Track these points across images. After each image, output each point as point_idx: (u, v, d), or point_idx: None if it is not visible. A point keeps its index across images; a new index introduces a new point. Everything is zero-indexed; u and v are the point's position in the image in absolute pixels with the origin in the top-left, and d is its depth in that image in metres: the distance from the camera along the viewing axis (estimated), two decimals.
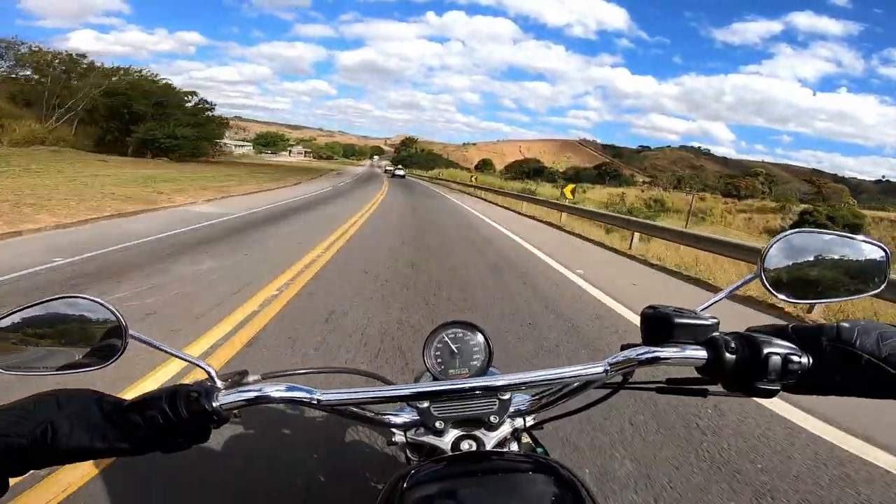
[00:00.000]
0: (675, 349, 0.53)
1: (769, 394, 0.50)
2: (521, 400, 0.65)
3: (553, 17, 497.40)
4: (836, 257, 0.58)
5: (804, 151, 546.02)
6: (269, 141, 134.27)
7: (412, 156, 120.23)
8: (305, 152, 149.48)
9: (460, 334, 0.70)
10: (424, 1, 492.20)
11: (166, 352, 0.54)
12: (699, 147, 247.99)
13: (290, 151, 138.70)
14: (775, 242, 0.57)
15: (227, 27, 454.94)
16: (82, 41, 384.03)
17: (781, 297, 0.57)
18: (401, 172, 52.02)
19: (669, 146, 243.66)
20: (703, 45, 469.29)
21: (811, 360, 0.50)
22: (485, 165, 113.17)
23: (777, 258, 0.57)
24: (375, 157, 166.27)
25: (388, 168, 56.04)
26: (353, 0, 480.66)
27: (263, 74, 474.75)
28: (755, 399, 0.48)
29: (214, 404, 0.50)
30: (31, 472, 0.47)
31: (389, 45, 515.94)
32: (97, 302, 0.53)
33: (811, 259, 0.58)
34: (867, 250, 0.58)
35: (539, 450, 0.72)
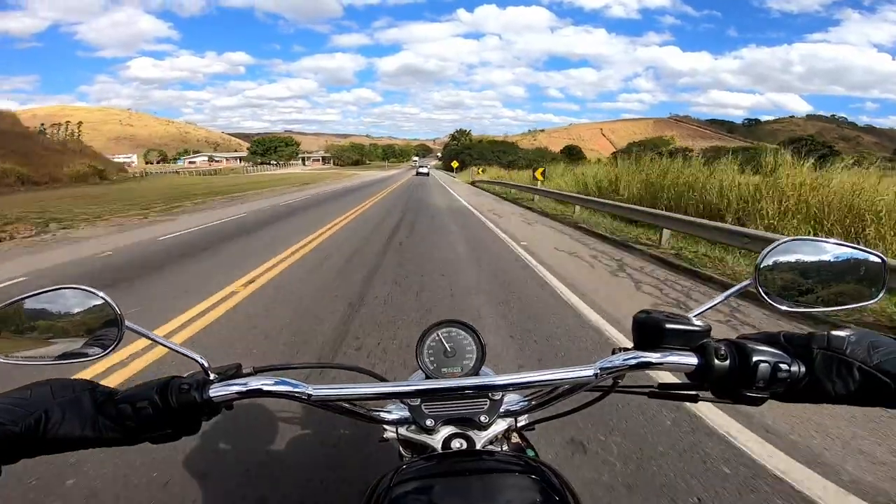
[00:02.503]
0: (664, 355, 0.53)
1: (757, 401, 0.50)
2: (512, 400, 0.65)
3: (589, 0, 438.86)
4: (833, 266, 0.56)
5: (892, 117, 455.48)
6: (268, 148, 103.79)
7: (471, 147, 77.57)
8: (324, 158, 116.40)
9: (454, 333, 0.69)
10: None
11: (161, 343, 0.55)
12: (833, 115, 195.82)
13: (303, 159, 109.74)
14: (770, 250, 0.55)
15: (269, 44, 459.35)
16: (142, 69, 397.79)
17: (776, 305, 0.56)
18: (424, 170, 42.32)
19: (792, 116, 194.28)
20: (757, 15, 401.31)
21: (802, 369, 0.48)
22: (571, 154, 77.47)
23: (772, 266, 0.56)
24: (415, 158, 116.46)
25: (419, 170, 43.78)
26: (382, 6, 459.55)
27: (311, 88, 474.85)
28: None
29: (205, 396, 0.50)
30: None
31: (425, 46, 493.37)
32: (94, 293, 0.52)
33: (807, 267, 0.56)
34: (864, 259, 0.55)
35: (529, 451, 0.70)
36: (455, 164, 47.48)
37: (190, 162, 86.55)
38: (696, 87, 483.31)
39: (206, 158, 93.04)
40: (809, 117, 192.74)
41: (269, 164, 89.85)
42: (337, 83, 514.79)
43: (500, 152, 68.66)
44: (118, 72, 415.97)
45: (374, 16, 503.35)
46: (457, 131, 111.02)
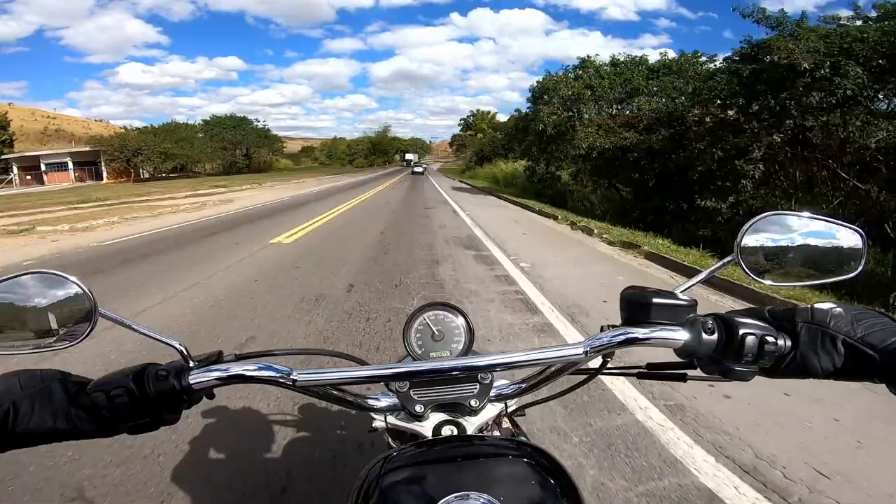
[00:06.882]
0: (652, 330, 0.52)
1: (745, 376, 0.49)
2: (503, 384, 0.64)
3: (585, 2, 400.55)
4: (814, 240, 0.56)
5: None
6: None
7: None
8: (78, 164, 37.07)
9: (441, 316, 0.68)
10: (447, 1, 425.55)
11: (136, 330, 0.51)
12: None
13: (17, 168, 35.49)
14: (751, 225, 0.55)
15: (261, 49, 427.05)
16: (132, 75, 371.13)
17: (760, 280, 0.56)
18: (419, 169, 36.98)
19: None
20: (752, 17, 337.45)
21: (788, 342, 0.48)
22: None
23: (754, 241, 0.56)
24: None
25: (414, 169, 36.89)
26: (375, 10, 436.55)
27: (305, 94, 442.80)
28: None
29: (184, 383, 0.48)
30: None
31: (419, 51, 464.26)
32: (66, 278, 0.50)
33: (788, 242, 0.56)
34: (845, 234, 0.56)
35: (521, 437, 0.70)
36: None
37: None
38: None
39: None
40: None
41: None
42: (331, 89, 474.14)
43: None
44: (107, 78, 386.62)
45: (367, 20, 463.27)
46: (471, 114, 78.49)
